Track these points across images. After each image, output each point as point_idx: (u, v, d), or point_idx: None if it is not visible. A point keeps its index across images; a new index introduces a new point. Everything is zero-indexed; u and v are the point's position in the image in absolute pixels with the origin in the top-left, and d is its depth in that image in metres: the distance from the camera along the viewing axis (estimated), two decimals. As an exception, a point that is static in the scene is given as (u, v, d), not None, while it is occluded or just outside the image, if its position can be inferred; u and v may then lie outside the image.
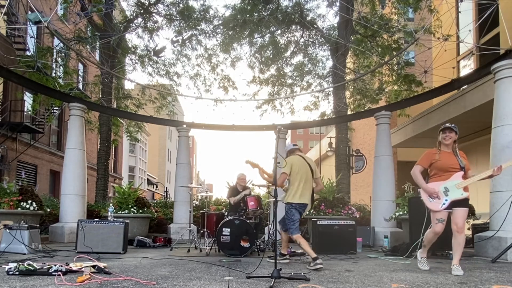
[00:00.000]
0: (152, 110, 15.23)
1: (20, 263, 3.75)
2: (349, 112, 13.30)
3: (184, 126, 10.63)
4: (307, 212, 8.63)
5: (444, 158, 4.21)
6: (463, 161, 4.19)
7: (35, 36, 16.50)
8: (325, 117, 14.01)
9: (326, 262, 5.24)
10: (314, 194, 5.26)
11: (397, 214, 7.69)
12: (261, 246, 6.38)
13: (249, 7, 12.83)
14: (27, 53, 14.72)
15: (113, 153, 26.35)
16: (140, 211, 8.86)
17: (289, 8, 13.34)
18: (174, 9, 14.08)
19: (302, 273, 3.74)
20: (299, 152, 5.30)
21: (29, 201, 7.55)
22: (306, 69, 14.62)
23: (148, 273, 3.93)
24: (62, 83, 13.92)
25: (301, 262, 5.16)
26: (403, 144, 14.04)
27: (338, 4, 12.84)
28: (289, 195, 4.96)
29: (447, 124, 4.26)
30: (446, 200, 4.11)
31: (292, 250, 6.03)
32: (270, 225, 7.74)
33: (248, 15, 12.85)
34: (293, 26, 14.02)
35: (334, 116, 12.55)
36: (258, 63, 14.55)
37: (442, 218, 4.14)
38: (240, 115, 34.45)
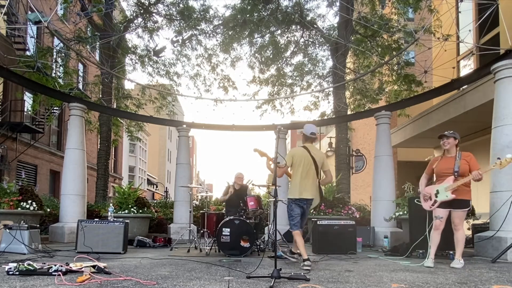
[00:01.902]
0: (152, 110, 15.24)
1: (20, 263, 3.75)
2: (349, 112, 13.29)
3: (184, 126, 10.63)
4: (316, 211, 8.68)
5: (440, 164, 4.77)
6: (462, 164, 4.56)
7: (35, 36, 16.50)
8: (325, 117, 13.99)
9: (326, 262, 5.24)
10: (322, 188, 4.97)
11: (397, 214, 7.69)
12: (261, 246, 6.38)
13: (249, 7, 12.82)
14: (27, 53, 14.72)
15: (113, 153, 26.36)
16: (140, 211, 8.86)
17: (289, 8, 13.33)
18: (174, 9, 14.08)
19: (302, 273, 3.74)
20: (309, 143, 4.96)
21: (29, 201, 7.53)
22: (306, 69, 14.61)
23: (148, 273, 3.93)
24: (62, 83, 13.92)
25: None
26: (403, 144, 14.04)
27: (338, 4, 12.83)
28: (290, 190, 4.93)
29: (445, 132, 4.75)
30: (436, 201, 4.72)
31: (298, 251, 6.02)
32: (270, 225, 7.73)
33: (248, 15, 12.85)
34: (293, 26, 14.00)
35: (334, 116, 12.54)
36: (258, 63, 14.54)
37: (439, 215, 4.71)
38: (240, 115, 34.58)
